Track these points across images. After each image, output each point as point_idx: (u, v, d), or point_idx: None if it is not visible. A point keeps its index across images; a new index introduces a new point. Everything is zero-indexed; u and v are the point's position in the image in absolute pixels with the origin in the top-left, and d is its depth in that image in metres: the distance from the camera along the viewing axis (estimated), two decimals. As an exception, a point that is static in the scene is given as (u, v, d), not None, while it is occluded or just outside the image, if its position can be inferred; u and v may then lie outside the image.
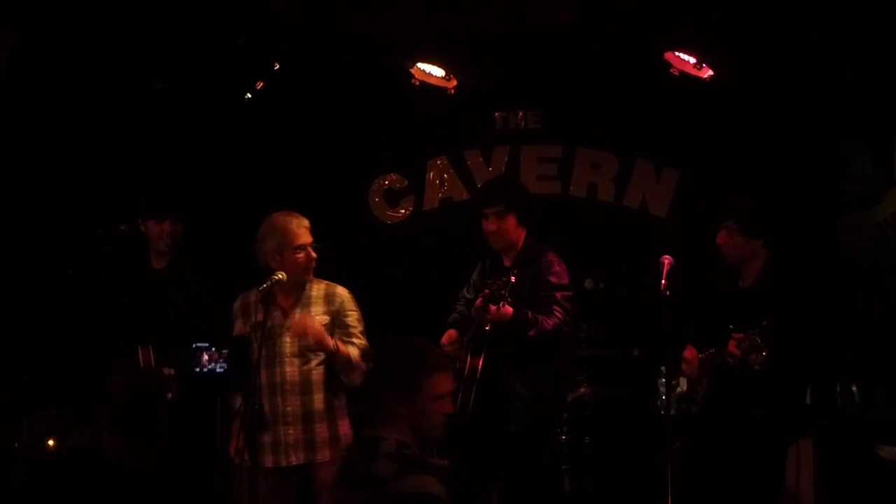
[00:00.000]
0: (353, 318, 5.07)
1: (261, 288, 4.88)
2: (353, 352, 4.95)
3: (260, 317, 4.97)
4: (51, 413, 5.79)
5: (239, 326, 5.10)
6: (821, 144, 6.22)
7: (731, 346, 4.77)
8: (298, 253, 4.95)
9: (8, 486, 5.48)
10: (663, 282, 4.95)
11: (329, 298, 5.06)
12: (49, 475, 5.62)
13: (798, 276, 5.32)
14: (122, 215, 5.45)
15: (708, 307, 5.31)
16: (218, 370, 4.33)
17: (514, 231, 5.27)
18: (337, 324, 5.03)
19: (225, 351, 4.38)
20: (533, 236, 5.32)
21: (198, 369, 4.43)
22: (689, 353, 5.23)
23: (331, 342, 4.87)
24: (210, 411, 5.10)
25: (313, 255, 5.00)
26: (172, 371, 5.31)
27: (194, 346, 4.36)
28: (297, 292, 5.04)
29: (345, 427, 5.07)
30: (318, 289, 5.09)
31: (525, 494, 5.17)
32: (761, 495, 5.00)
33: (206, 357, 4.37)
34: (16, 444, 5.62)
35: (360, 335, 5.04)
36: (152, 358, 5.38)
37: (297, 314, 4.94)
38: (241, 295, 5.15)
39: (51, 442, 5.73)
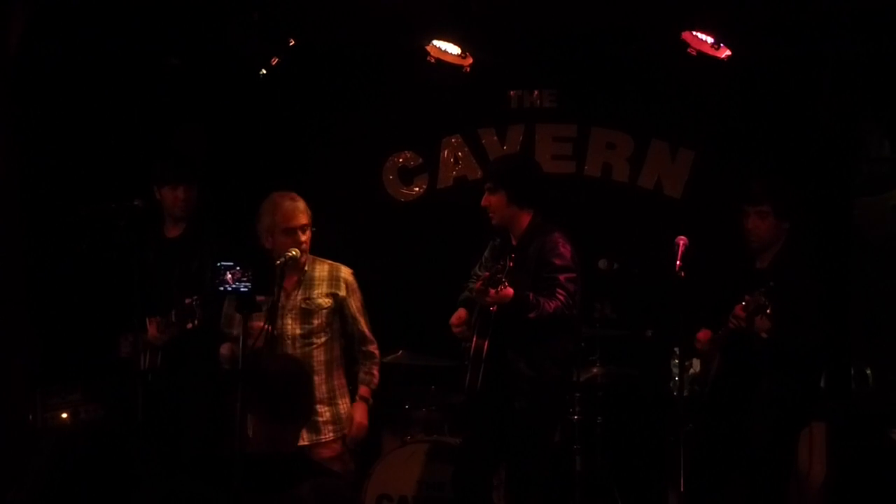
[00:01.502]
0: (356, 304, 5.16)
1: (277, 263, 4.89)
2: (373, 381, 5.20)
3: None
4: (64, 387, 5.82)
5: None
6: (838, 126, 6.16)
7: (738, 309, 4.77)
8: (288, 235, 4.95)
9: (22, 458, 5.50)
10: (678, 263, 4.93)
11: (333, 281, 5.10)
12: (65, 449, 5.64)
13: (813, 256, 5.29)
14: (135, 191, 5.45)
15: (723, 289, 5.29)
16: (242, 289, 4.31)
17: (503, 209, 5.21)
18: (340, 307, 5.09)
19: (249, 269, 4.36)
20: (542, 217, 5.29)
21: (222, 288, 4.43)
22: (703, 334, 5.21)
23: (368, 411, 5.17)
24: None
25: (302, 238, 4.98)
26: (195, 298, 5.23)
27: (219, 264, 4.36)
28: (297, 273, 5.06)
29: (345, 406, 5.17)
30: (320, 269, 5.11)
31: (530, 474, 5.18)
32: (771, 475, 4.99)
33: (229, 275, 4.35)
34: (30, 417, 5.65)
35: (364, 324, 5.16)
36: (159, 328, 5.38)
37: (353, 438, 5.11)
38: None
39: (64, 415, 5.76)
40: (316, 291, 5.05)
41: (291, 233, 4.96)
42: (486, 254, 5.51)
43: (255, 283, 4.31)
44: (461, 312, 5.35)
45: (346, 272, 5.15)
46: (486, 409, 5.23)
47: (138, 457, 5.16)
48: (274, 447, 3.48)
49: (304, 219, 4.99)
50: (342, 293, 5.09)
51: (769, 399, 4.96)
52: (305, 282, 5.07)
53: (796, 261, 5.06)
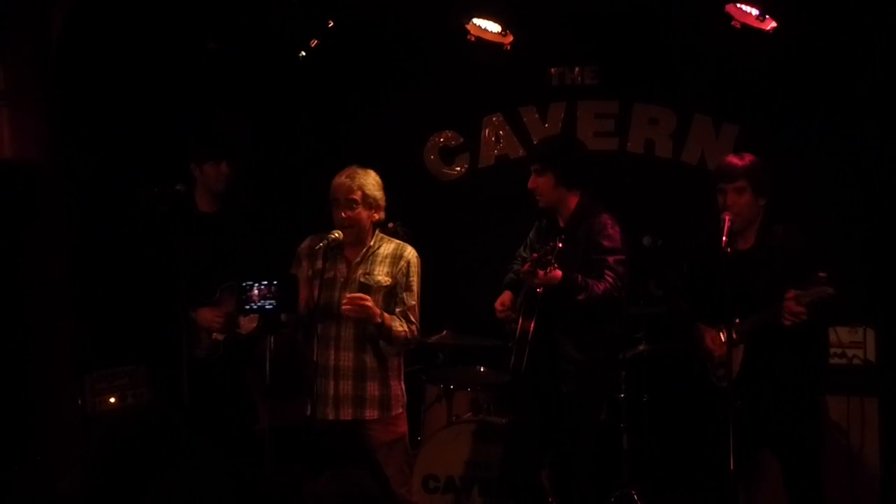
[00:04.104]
0: (409, 290, 5.05)
1: (317, 247, 4.91)
2: (398, 327, 4.95)
3: (321, 266, 4.99)
4: (111, 371, 5.87)
5: (303, 270, 5.10)
6: (886, 98, 6.04)
7: (791, 305, 4.63)
8: (335, 208, 5.00)
9: (72, 442, 5.56)
10: (724, 238, 4.84)
11: (396, 260, 5.06)
12: (112, 432, 5.70)
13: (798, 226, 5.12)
14: (176, 174, 5.46)
15: (707, 276, 5.02)
16: (267, 307, 4.30)
17: (551, 191, 5.18)
18: (395, 285, 5.03)
19: (274, 286, 4.35)
20: (589, 197, 5.24)
21: (248, 306, 4.42)
22: (703, 330, 5.07)
23: (378, 317, 4.88)
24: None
25: (345, 214, 4.96)
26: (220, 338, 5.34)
27: (244, 283, 4.34)
28: (361, 247, 5.05)
29: (397, 388, 5.10)
30: (386, 247, 5.09)
31: (576, 454, 5.15)
32: (813, 447, 4.92)
33: (255, 293, 4.35)
34: (79, 402, 5.70)
35: (410, 310, 5.03)
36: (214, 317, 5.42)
37: (351, 295, 4.90)
38: (311, 237, 5.13)
39: (112, 399, 5.81)
40: (378, 268, 5.02)
41: (335, 205, 4.99)
42: (531, 235, 5.47)
43: (281, 300, 4.31)
44: (506, 296, 5.32)
45: (409, 254, 5.10)
46: (531, 391, 5.21)
47: (187, 441, 5.21)
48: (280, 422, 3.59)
49: (342, 194, 4.97)
50: (401, 272, 5.04)
51: (799, 374, 4.86)
52: (370, 257, 5.05)
53: (791, 235, 4.89)
